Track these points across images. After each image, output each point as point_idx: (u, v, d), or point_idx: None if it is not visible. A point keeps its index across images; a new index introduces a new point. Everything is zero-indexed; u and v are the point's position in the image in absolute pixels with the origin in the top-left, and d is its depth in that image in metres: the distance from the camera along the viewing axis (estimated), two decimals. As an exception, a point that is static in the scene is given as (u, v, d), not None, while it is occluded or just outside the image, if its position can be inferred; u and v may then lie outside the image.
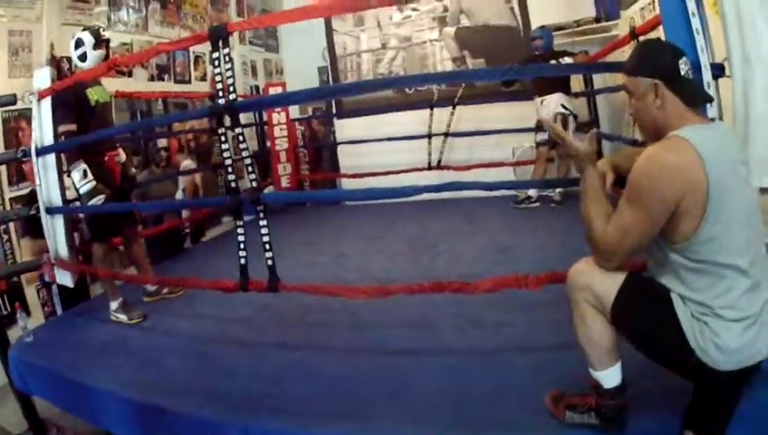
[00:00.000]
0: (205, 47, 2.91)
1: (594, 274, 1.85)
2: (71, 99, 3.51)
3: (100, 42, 3.60)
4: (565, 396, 2.08)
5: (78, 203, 3.69)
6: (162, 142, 6.15)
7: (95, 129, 3.54)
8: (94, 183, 3.47)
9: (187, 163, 6.35)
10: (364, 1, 3.15)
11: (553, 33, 5.80)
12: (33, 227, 3.86)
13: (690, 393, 1.84)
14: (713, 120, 2.26)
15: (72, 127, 3.48)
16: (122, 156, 3.86)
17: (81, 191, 3.47)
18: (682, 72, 1.73)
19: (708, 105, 2.31)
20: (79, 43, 3.57)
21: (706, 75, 2.30)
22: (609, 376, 1.91)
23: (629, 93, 1.83)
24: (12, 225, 4.39)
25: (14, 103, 3.78)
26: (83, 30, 3.64)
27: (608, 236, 1.78)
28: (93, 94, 3.59)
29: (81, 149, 3.50)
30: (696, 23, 2.32)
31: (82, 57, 3.57)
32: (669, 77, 1.73)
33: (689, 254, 1.67)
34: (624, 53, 4.19)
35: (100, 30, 3.67)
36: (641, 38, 3.68)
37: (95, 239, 3.73)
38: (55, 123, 3.55)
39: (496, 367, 2.54)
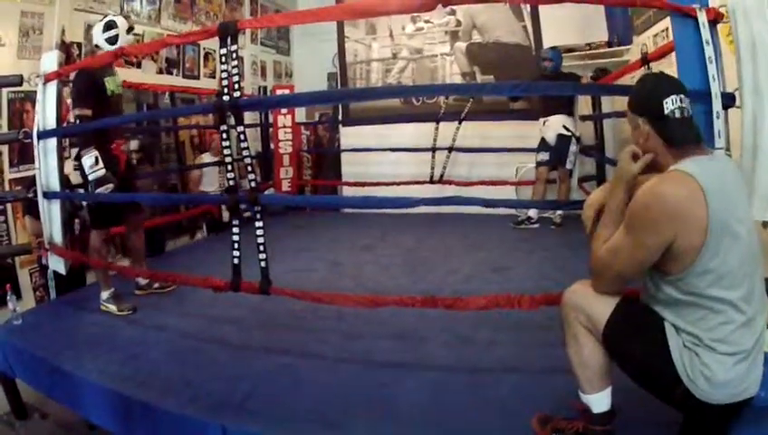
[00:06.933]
0: (216, 44, 2.90)
1: (589, 295, 1.84)
2: (90, 84, 3.51)
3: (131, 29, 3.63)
4: (552, 419, 2.05)
5: (82, 190, 3.66)
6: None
7: (107, 118, 3.55)
8: (104, 171, 3.43)
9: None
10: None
11: (564, 55, 5.79)
12: (35, 208, 3.84)
13: (679, 426, 1.81)
14: (719, 149, 2.25)
15: (88, 112, 3.47)
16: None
17: (91, 178, 3.42)
18: (666, 112, 1.71)
19: (716, 136, 2.29)
20: (111, 26, 3.55)
21: (716, 104, 2.29)
22: (599, 400, 1.87)
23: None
24: (9, 207, 4.37)
25: (20, 84, 3.75)
26: (115, 15, 3.67)
27: (599, 255, 1.79)
28: (110, 84, 3.60)
29: (93, 135, 3.48)
30: (709, 51, 2.32)
31: (113, 40, 3.55)
32: (652, 115, 1.73)
33: (683, 286, 1.65)
34: (634, 79, 4.19)
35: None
36: (652, 64, 3.68)
37: (95, 227, 3.70)
38: (72, 106, 3.56)
39: (483, 386, 2.50)
